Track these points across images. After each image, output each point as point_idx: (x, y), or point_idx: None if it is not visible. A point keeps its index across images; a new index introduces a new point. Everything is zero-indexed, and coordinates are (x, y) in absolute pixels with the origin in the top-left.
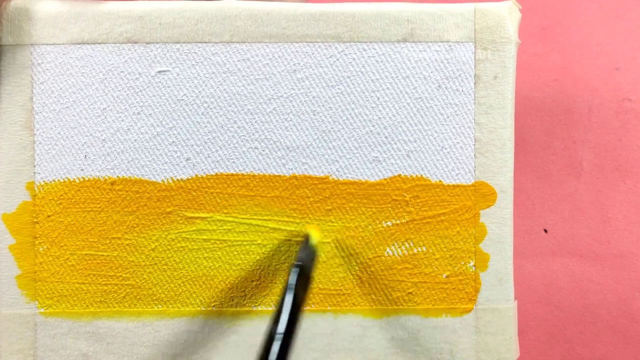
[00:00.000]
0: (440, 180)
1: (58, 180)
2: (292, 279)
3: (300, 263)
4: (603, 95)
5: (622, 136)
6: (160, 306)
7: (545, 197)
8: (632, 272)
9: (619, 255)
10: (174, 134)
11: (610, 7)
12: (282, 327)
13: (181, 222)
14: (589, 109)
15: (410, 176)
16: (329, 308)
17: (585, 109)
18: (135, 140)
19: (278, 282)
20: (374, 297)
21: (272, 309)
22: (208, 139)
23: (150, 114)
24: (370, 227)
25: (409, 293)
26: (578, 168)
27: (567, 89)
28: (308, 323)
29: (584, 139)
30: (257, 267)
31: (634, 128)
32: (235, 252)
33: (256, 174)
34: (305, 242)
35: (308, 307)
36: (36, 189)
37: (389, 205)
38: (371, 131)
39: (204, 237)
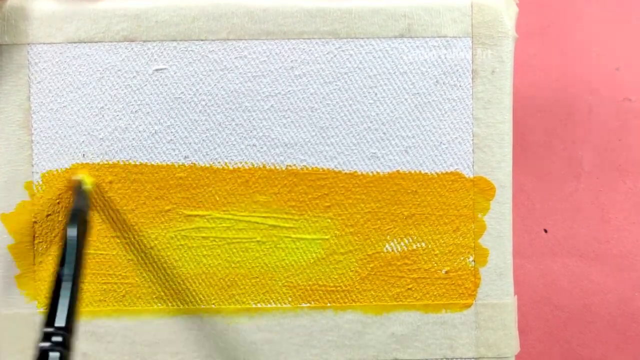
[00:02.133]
0: (438, 176)
1: (56, 179)
2: (72, 223)
3: (77, 208)
4: (603, 95)
5: (622, 136)
6: (159, 304)
7: (545, 197)
8: (632, 272)
9: (619, 255)
10: (171, 132)
11: (610, 7)
12: (69, 269)
13: (180, 220)
14: (589, 109)
15: (409, 172)
16: (328, 305)
17: (585, 109)
18: (133, 139)
19: (278, 279)
20: (373, 293)
21: (272, 306)
22: (206, 136)
23: (147, 112)
24: (369, 223)
25: (409, 289)
26: (578, 168)
27: (567, 89)
28: (308, 320)
29: (584, 139)
30: (256, 264)
31: (634, 128)
32: (235, 250)
33: (254, 172)
34: (79, 188)
35: (308, 304)
36: (34, 188)
37: (388, 202)
38: (369, 127)
39: (203, 234)
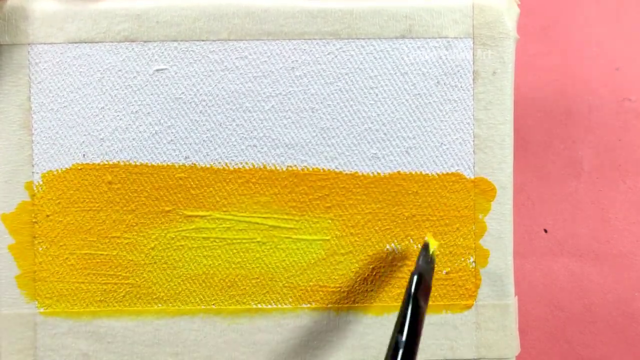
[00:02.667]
0: (439, 177)
1: (57, 179)
2: (413, 287)
3: (419, 271)
4: (603, 95)
5: (622, 136)
6: (160, 305)
7: (545, 197)
8: (632, 272)
9: (619, 255)
10: (172, 133)
11: (610, 7)
12: (404, 335)
13: (180, 220)
14: (589, 109)
15: (410, 173)
16: (329, 305)
17: (585, 109)
18: (133, 139)
19: (278, 279)
20: (374, 294)
21: (272, 306)
22: (206, 137)
23: (148, 113)
24: (369, 224)
25: None
26: (578, 168)
27: (567, 89)
28: (308, 320)
29: (584, 139)
30: (257, 265)
31: (634, 128)
32: (235, 250)
33: (255, 172)
34: (424, 251)
35: (308, 305)
36: (35, 188)
37: (389, 202)
38: (370, 128)
39: (203, 235)
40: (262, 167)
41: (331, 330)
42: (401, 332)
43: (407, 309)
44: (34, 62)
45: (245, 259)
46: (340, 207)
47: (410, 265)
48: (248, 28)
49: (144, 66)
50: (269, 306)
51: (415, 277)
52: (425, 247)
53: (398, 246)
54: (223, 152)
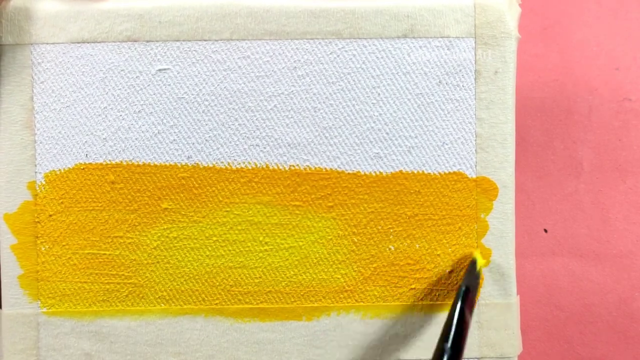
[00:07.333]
0: (441, 176)
1: (59, 179)
2: (459, 299)
3: (467, 284)
4: (603, 95)
5: (622, 136)
6: (162, 304)
7: (545, 197)
8: (632, 272)
9: (619, 255)
10: (175, 132)
11: (610, 7)
12: (450, 342)
13: (183, 220)
14: (589, 109)
15: (412, 172)
16: (332, 305)
17: (585, 109)
18: (136, 139)
19: (281, 279)
20: (376, 294)
21: (274, 306)
22: (209, 136)
23: (151, 113)
24: (372, 223)
25: (412, 289)
26: (578, 168)
27: (567, 89)
28: (311, 319)
29: (584, 139)
30: (260, 264)
31: (634, 128)
32: (237, 250)
33: (258, 172)
34: (472, 266)
35: (311, 304)
36: (37, 188)
37: (391, 202)
38: (372, 127)
39: (206, 234)
40: (264, 166)
41: (333, 330)
42: (447, 339)
43: (453, 319)
44: (37, 62)
45: (248, 259)
46: (343, 207)
47: (413, 264)
48: (250, 28)
49: (147, 66)
50: (272, 305)
51: (463, 289)
52: (473, 263)
53: (400, 245)
54: (225, 152)
